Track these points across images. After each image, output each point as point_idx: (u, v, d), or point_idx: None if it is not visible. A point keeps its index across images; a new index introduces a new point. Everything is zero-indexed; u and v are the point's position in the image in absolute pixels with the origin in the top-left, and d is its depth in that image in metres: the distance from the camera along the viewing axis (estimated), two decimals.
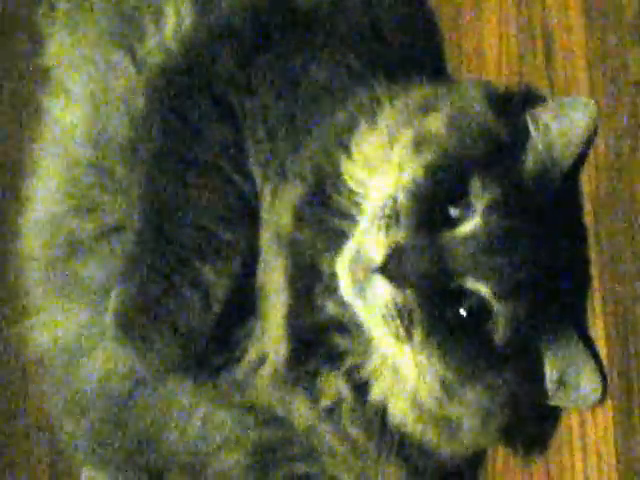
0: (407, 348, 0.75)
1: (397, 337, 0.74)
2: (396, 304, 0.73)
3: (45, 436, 1.41)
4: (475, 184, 0.75)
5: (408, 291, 0.72)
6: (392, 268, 0.72)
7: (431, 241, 0.73)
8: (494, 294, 0.74)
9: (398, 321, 0.73)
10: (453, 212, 0.75)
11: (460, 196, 0.75)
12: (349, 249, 0.76)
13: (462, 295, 0.74)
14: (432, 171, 0.75)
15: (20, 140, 1.24)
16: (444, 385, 0.74)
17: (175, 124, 0.82)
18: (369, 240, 0.74)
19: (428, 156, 0.75)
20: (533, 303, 0.75)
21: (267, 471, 0.88)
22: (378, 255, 0.73)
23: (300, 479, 0.87)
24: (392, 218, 0.74)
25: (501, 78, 0.91)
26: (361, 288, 0.75)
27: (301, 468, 0.87)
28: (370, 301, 0.74)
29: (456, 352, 0.74)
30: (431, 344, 0.73)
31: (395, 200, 0.75)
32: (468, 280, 0.74)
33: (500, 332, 0.75)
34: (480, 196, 0.75)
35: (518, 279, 0.74)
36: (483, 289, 0.74)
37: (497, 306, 0.74)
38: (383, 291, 0.73)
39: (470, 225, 0.74)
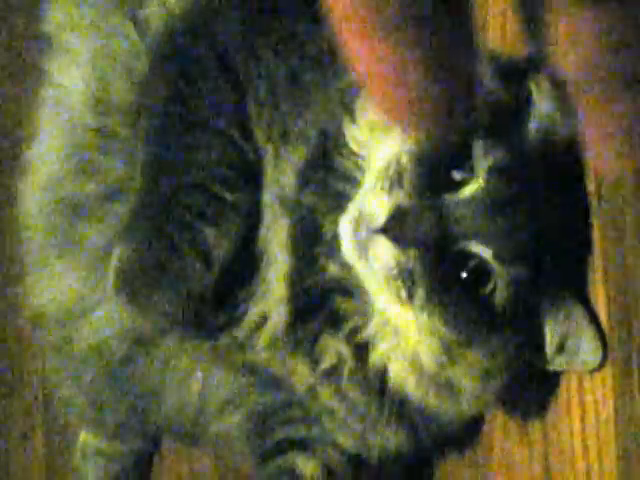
0: (408, 310, 0.75)
1: (399, 298, 0.74)
2: (398, 265, 0.73)
3: (40, 409, 1.42)
4: (478, 148, 0.75)
5: (410, 252, 0.73)
6: (394, 229, 0.73)
7: (434, 203, 0.73)
8: (495, 257, 0.74)
9: (400, 282, 0.74)
10: (456, 175, 0.75)
11: (463, 160, 0.75)
12: (351, 210, 0.76)
13: (463, 257, 0.74)
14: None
15: (20, 104, 1.24)
16: (445, 347, 0.75)
17: (178, 86, 0.82)
18: (371, 202, 0.74)
19: None
20: (534, 267, 0.76)
21: (266, 434, 0.89)
22: (380, 216, 0.73)
23: (299, 442, 0.88)
24: (395, 180, 0.74)
25: (505, 48, 0.91)
26: (363, 249, 0.75)
27: (301, 431, 0.88)
28: (372, 262, 0.75)
29: (457, 313, 0.74)
30: (432, 305, 0.74)
31: (398, 163, 0.75)
32: (470, 243, 0.74)
33: (500, 295, 0.75)
34: (483, 160, 0.75)
35: (519, 243, 0.75)
36: (485, 252, 0.74)
37: (498, 269, 0.74)
38: (385, 252, 0.73)
39: (472, 188, 0.75)
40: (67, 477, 1.36)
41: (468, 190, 0.75)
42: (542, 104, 0.80)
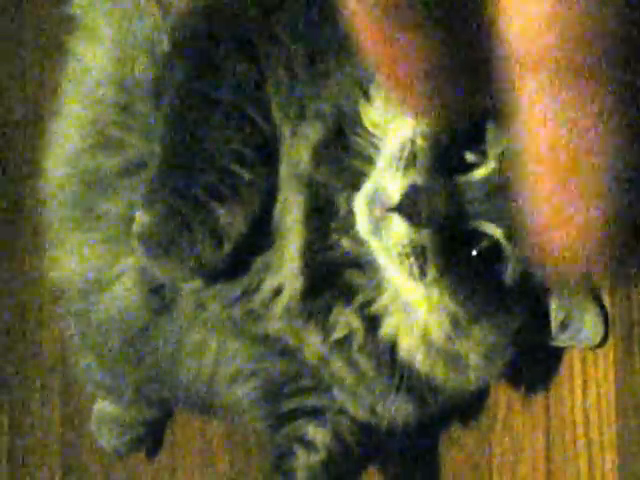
0: (420, 286, 0.77)
1: (410, 275, 0.77)
2: (411, 243, 0.75)
3: (58, 375, 1.44)
4: (491, 130, 0.77)
5: (423, 230, 0.75)
6: (408, 207, 0.75)
7: (447, 183, 0.76)
8: (506, 237, 0.76)
9: (412, 259, 0.76)
10: (469, 157, 0.78)
11: (476, 142, 0.78)
12: (366, 188, 0.78)
13: (475, 236, 0.77)
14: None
15: (45, 81, 1.26)
16: (454, 322, 0.77)
17: (198, 65, 0.84)
18: (387, 180, 0.77)
19: None
20: None
21: (278, 402, 0.91)
22: (395, 194, 0.75)
23: (310, 410, 0.90)
24: (410, 160, 0.76)
25: None
26: (377, 226, 0.77)
27: (312, 399, 0.90)
28: (386, 239, 0.77)
29: (467, 290, 0.76)
30: (443, 282, 0.76)
31: (413, 143, 0.77)
32: (482, 223, 0.76)
33: (510, 273, 0.77)
34: (495, 142, 0.77)
35: None
36: (496, 232, 0.77)
37: (508, 248, 0.77)
38: (399, 230, 0.75)
39: (485, 171, 0.77)
40: (83, 443, 1.39)
41: (480, 172, 0.77)
42: None
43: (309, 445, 0.88)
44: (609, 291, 0.81)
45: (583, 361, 0.84)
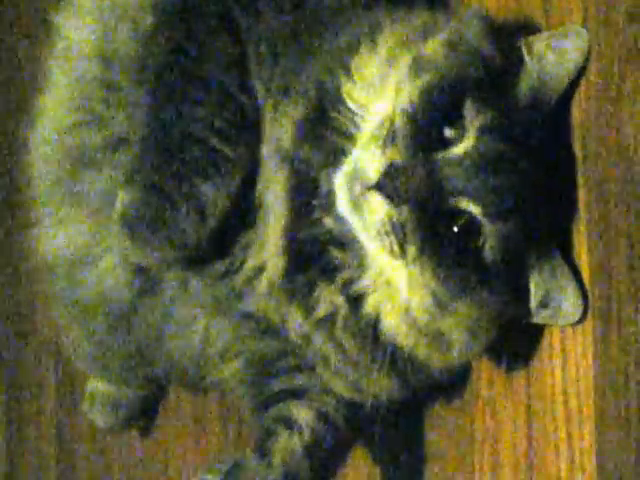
0: (401, 263, 0.78)
1: (391, 253, 0.77)
2: (391, 220, 0.76)
3: (52, 352, 1.45)
4: (469, 107, 0.77)
5: (403, 208, 0.75)
6: (388, 185, 0.75)
7: (426, 160, 0.76)
8: (485, 214, 0.77)
9: (393, 237, 0.76)
10: (447, 133, 0.78)
11: (455, 119, 0.78)
12: (346, 166, 0.79)
13: (454, 213, 0.77)
14: (428, 93, 0.77)
15: (31, 57, 1.26)
16: (436, 299, 0.77)
17: (181, 41, 0.84)
18: (366, 158, 0.77)
19: (425, 78, 0.77)
20: (522, 224, 0.78)
21: (264, 383, 0.92)
22: (374, 173, 0.76)
23: (295, 391, 0.90)
24: (389, 138, 0.76)
25: (499, 10, 0.93)
26: (357, 204, 0.77)
27: (296, 380, 0.90)
28: (366, 217, 0.77)
29: (448, 268, 0.77)
30: (424, 260, 0.76)
31: (392, 121, 0.77)
32: (460, 199, 0.77)
33: (490, 251, 0.77)
34: (474, 119, 0.77)
35: (508, 200, 0.77)
36: (475, 209, 0.77)
37: (488, 226, 0.77)
38: (378, 207, 0.76)
39: (463, 147, 0.77)
40: (77, 420, 1.41)
41: (459, 148, 0.77)
42: (533, 65, 0.82)
43: (293, 426, 0.88)
44: (588, 268, 0.81)
45: (562, 337, 0.84)
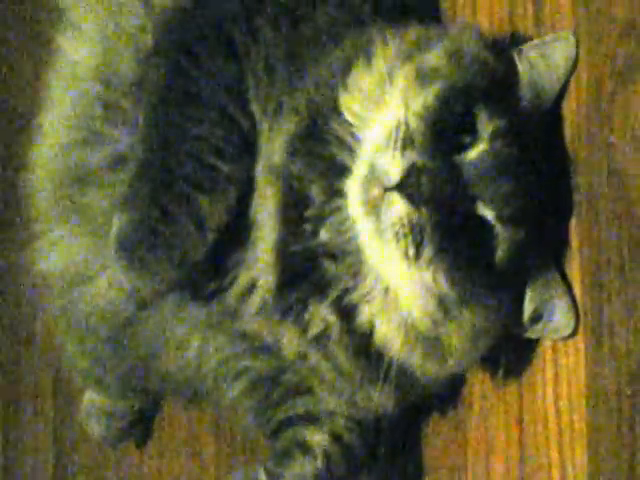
0: (410, 267, 0.78)
1: (405, 255, 0.77)
2: (410, 222, 0.76)
3: (51, 361, 1.45)
4: (481, 113, 0.79)
5: (422, 210, 0.76)
6: (409, 187, 0.76)
7: (445, 163, 0.77)
8: (499, 218, 0.78)
9: (409, 239, 0.76)
10: (462, 138, 0.79)
11: (468, 124, 0.79)
12: (360, 170, 0.79)
13: (470, 216, 0.78)
14: (442, 99, 0.78)
15: (33, 76, 1.26)
16: (442, 305, 0.78)
17: (181, 61, 0.85)
18: (384, 161, 0.77)
19: (436, 86, 0.79)
20: (530, 232, 0.80)
21: (272, 409, 0.92)
22: (395, 174, 0.76)
23: (305, 416, 0.91)
24: (407, 141, 0.77)
25: (493, 24, 0.95)
26: (372, 206, 0.78)
27: (305, 404, 0.91)
28: (382, 219, 0.77)
29: (461, 271, 0.77)
30: (439, 262, 0.77)
31: (407, 124, 0.78)
32: (478, 203, 0.78)
33: (501, 255, 0.79)
34: (486, 124, 0.79)
35: (520, 205, 0.79)
36: (489, 213, 0.78)
37: (501, 230, 0.78)
38: (399, 209, 0.76)
39: (477, 151, 0.78)
40: (74, 433, 1.41)
41: (473, 153, 0.78)
42: (525, 73, 0.84)
43: (308, 451, 0.89)
44: (580, 282, 0.83)
45: (554, 351, 0.85)
